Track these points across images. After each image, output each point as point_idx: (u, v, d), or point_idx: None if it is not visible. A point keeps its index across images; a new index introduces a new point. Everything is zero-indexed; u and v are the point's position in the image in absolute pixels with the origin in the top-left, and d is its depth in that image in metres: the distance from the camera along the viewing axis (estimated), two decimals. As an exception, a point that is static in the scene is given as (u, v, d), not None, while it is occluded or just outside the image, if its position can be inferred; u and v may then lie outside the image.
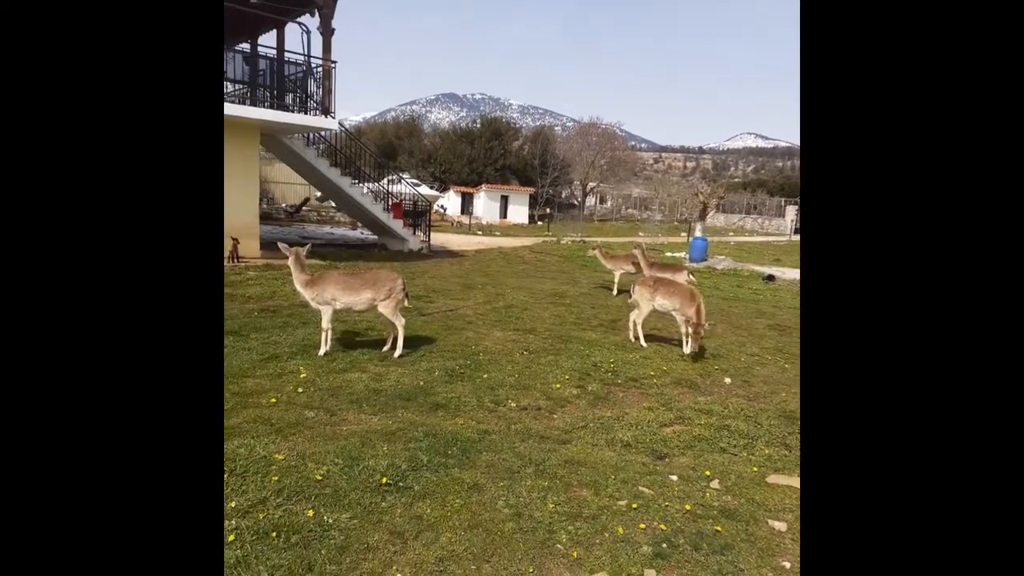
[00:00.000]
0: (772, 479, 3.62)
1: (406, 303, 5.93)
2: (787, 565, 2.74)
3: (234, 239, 11.05)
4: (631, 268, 10.51)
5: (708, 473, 3.65)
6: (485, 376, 5.32)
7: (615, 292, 10.74)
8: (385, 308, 5.72)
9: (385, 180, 18.29)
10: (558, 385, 5.22)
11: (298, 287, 5.68)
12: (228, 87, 11.87)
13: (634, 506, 3.15)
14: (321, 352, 5.57)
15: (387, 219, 15.40)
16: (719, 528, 3.00)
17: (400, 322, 5.76)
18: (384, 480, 3.20)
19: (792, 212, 39.21)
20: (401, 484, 3.20)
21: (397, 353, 5.71)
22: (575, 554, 2.69)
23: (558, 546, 2.75)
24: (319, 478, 3.18)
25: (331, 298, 5.57)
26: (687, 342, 6.58)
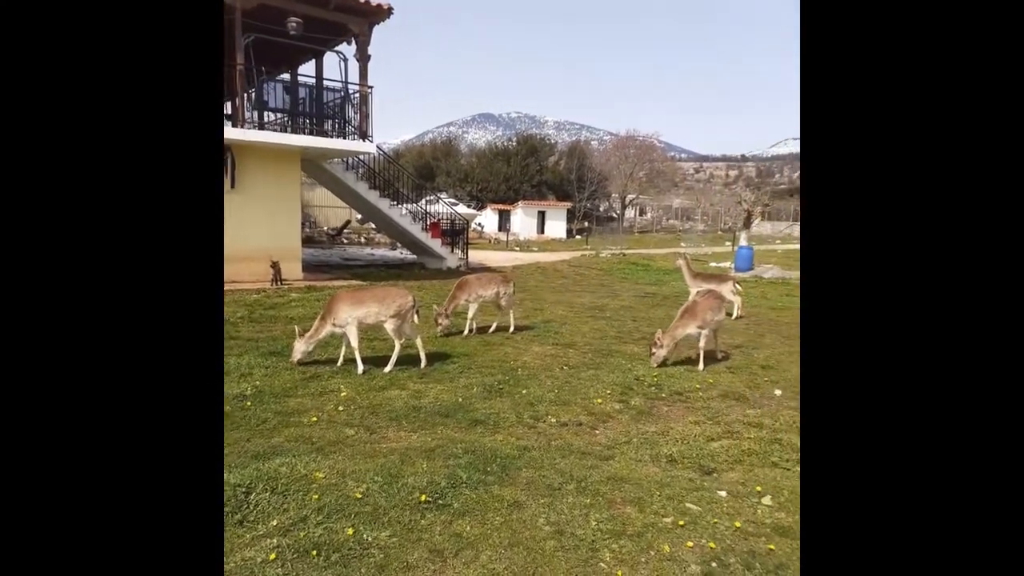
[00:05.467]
0: (829, 494, 3.43)
1: (415, 320, 5.96)
2: (849, 587, 2.57)
3: (275, 262, 11.30)
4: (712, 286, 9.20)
5: (759, 489, 3.48)
6: (524, 391, 5.26)
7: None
8: (390, 325, 5.74)
9: (423, 200, 18.57)
10: (599, 400, 5.11)
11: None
12: (270, 116, 12.30)
13: (680, 523, 3.02)
14: (359, 370, 5.62)
15: (425, 239, 15.60)
16: (772, 547, 2.85)
17: (400, 341, 5.79)
18: (423, 498, 3.17)
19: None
20: (440, 502, 3.16)
21: (390, 367, 5.72)
22: (620, 573, 2.59)
23: (602, 565, 2.65)
24: (359, 496, 3.17)
25: (347, 317, 5.63)
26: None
